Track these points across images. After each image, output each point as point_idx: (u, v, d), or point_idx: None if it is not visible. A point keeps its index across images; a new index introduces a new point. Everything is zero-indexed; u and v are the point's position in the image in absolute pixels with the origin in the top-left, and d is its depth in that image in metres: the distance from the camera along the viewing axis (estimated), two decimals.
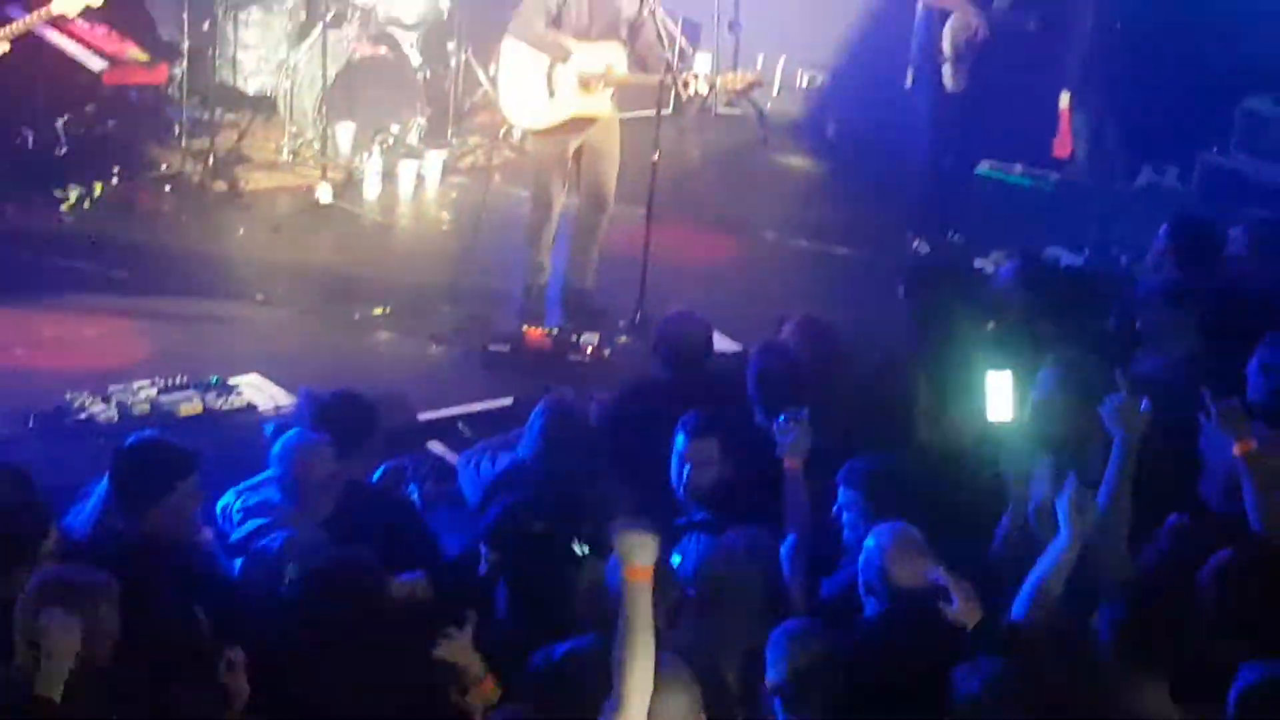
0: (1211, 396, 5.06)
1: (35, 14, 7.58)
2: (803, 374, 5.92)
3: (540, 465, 5.71)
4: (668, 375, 6.40)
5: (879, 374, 6.31)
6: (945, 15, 9.15)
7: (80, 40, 8.99)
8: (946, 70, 9.15)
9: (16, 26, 7.55)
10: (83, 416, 6.87)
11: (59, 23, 8.30)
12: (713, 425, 5.49)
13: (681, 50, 8.33)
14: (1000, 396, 5.34)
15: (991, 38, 9.08)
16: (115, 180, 9.16)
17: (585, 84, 7.96)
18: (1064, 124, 10.68)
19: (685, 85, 8.00)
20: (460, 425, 7.07)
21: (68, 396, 6.94)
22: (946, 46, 9.11)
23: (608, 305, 8.28)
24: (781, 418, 5.32)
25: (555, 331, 7.95)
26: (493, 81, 9.18)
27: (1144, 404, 4.86)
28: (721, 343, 6.74)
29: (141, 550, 4.86)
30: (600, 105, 8.04)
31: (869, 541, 4.66)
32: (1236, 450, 4.95)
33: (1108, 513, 4.67)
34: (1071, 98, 10.56)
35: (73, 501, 5.37)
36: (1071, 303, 6.53)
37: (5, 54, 7.55)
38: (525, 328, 7.96)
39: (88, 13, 8.09)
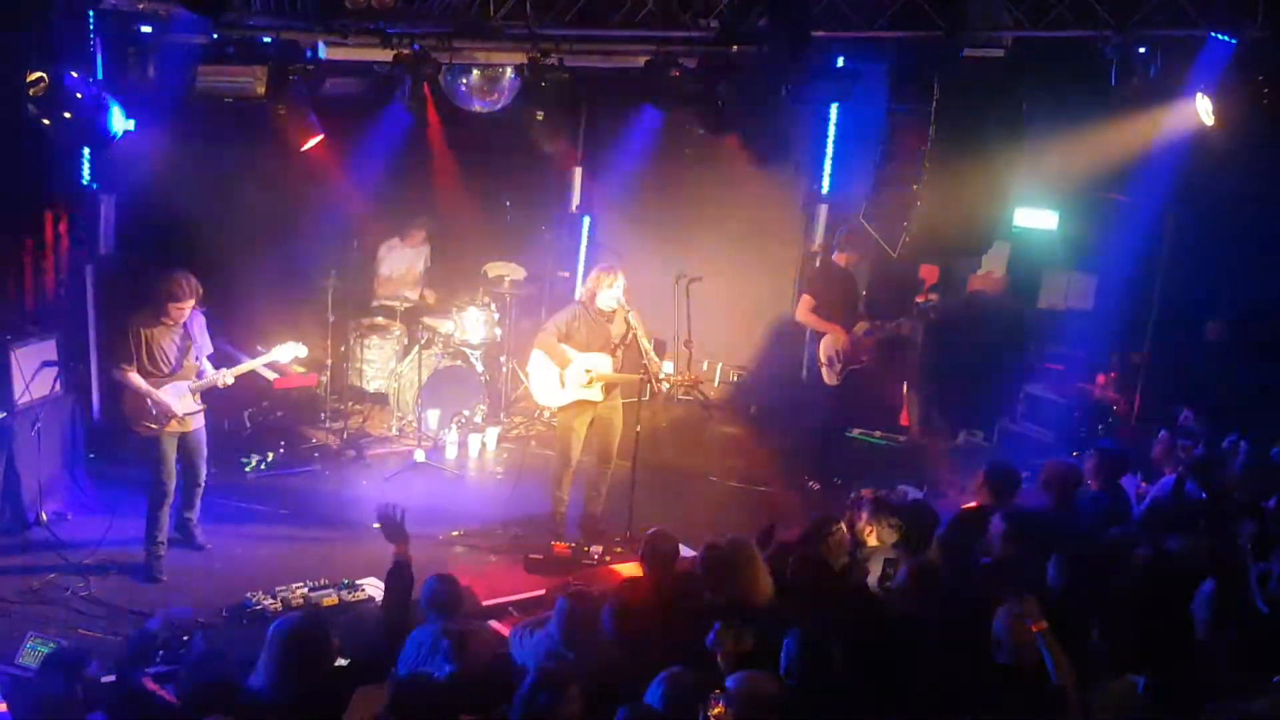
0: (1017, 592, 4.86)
1: (258, 359, 7.49)
2: None
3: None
4: (649, 575, 6.14)
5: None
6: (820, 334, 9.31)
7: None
8: (824, 371, 9.26)
9: (243, 367, 7.45)
10: (257, 608, 6.93)
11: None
12: None
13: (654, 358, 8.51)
14: None
15: (853, 351, 9.18)
16: (281, 450, 9.34)
17: (583, 381, 8.10)
18: (906, 404, 11.11)
19: (656, 381, 8.06)
20: (510, 609, 7.12)
21: (248, 594, 7.03)
22: (821, 355, 9.25)
23: (608, 527, 8.30)
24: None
25: (573, 545, 7.99)
26: (528, 378, 9.25)
27: None
28: (686, 551, 6.65)
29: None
30: (594, 394, 8.04)
31: None
32: (1034, 629, 4.74)
33: None
34: (908, 388, 11.00)
35: (251, 669, 5.05)
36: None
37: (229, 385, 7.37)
38: (554, 543, 8.01)
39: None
